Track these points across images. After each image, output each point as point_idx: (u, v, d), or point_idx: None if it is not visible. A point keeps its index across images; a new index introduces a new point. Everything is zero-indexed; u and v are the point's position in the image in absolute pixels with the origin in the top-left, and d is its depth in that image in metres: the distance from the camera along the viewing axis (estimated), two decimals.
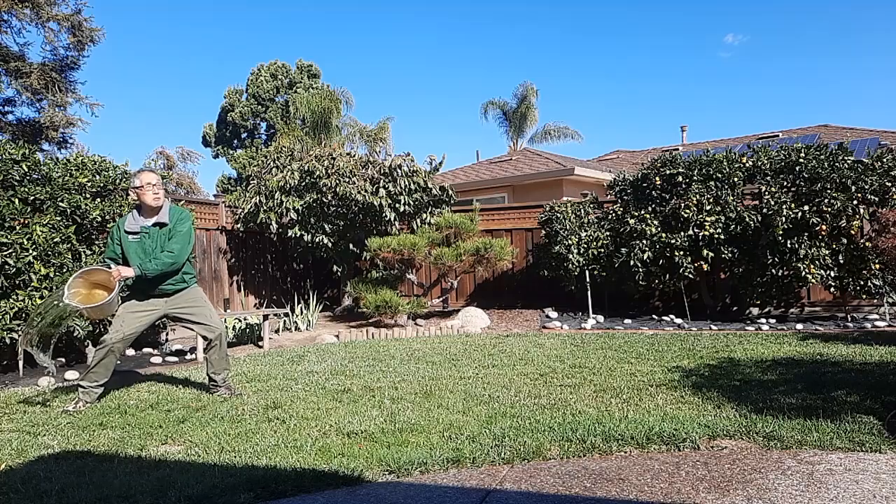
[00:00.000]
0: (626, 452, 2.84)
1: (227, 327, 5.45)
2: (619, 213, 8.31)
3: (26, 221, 5.25)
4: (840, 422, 3.04)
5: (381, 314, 8.16)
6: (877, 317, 7.49)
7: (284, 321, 8.48)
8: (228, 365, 4.48)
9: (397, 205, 9.04)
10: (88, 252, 5.66)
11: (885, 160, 7.23)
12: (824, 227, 7.09)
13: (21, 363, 4.31)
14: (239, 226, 9.28)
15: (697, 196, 7.60)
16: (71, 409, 3.94)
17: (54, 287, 5.14)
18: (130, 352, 6.46)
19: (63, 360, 5.80)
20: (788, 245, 7.19)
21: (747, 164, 7.70)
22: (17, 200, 5.30)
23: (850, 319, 7.41)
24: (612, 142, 64.27)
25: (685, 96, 57.14)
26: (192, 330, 4.45)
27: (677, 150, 16.14)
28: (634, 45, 57.89)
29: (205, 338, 4.37)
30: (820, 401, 3.50)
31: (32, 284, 5.15)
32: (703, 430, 3.01)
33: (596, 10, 56.31)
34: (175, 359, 6.25)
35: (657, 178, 7.99)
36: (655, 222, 7.85)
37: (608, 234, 8.36)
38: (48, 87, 14.48)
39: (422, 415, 3.55)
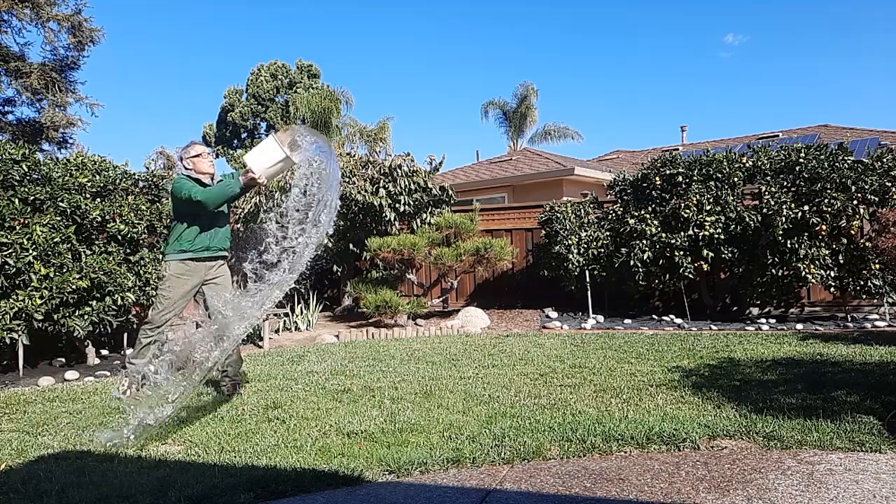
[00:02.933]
0: (626, 452, 2.84)
1: None
2: (619, 213, 8.30)
3: (26, 221, 5.24)
4: (840, 422, 3.04)
5: (381, 314, 8.16)
6: (877, 317, 7.49)
7: (284, 321, 8.48)
8: (239, 352, 4.52)
9: (397, 205, 9.04)
10: (88, 252, 5.66)
11: (885, 160, 7.22)
12: (824, 227, 7.09)
13: (21, 363, 4.31)
14: (239, 226, 9.28)
15: (697, 196, 7.60)
16: (127, 395, 4.07)
17: (54, 287, 5.14)
18: (130, 351, 6.43)
19: (63, 360, 5.80)
20: (788, 245, 7.18)
21: (747, 164, 7.69)
22: (17, 200, 5.30)
23: (850, 319, 7.41)
24: (612, 142, 64.32)
25: (685, 96, 57.13)
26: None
27: (677, 150, 16.13)
28: (634, 45, 57.89)
29: None
30: (820, 401, 3.50)
31: (32, 284, 5.14)
32: (703, 430, 3.01)
33: (596, 10, 56.33)
34: None
35: (657, 178, 7.99)
36: (655, 222, 7.85)
37: (608, 234, 8.36)
38: (48, 87, 14.46)
39: (422, 415, 3.55)
